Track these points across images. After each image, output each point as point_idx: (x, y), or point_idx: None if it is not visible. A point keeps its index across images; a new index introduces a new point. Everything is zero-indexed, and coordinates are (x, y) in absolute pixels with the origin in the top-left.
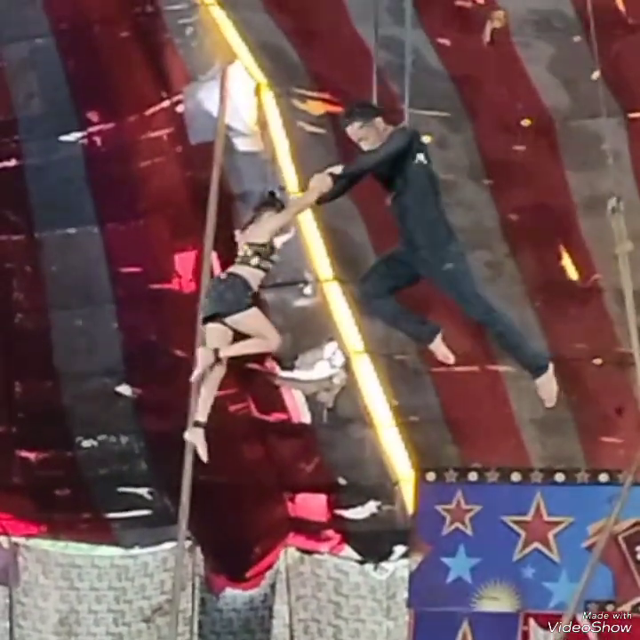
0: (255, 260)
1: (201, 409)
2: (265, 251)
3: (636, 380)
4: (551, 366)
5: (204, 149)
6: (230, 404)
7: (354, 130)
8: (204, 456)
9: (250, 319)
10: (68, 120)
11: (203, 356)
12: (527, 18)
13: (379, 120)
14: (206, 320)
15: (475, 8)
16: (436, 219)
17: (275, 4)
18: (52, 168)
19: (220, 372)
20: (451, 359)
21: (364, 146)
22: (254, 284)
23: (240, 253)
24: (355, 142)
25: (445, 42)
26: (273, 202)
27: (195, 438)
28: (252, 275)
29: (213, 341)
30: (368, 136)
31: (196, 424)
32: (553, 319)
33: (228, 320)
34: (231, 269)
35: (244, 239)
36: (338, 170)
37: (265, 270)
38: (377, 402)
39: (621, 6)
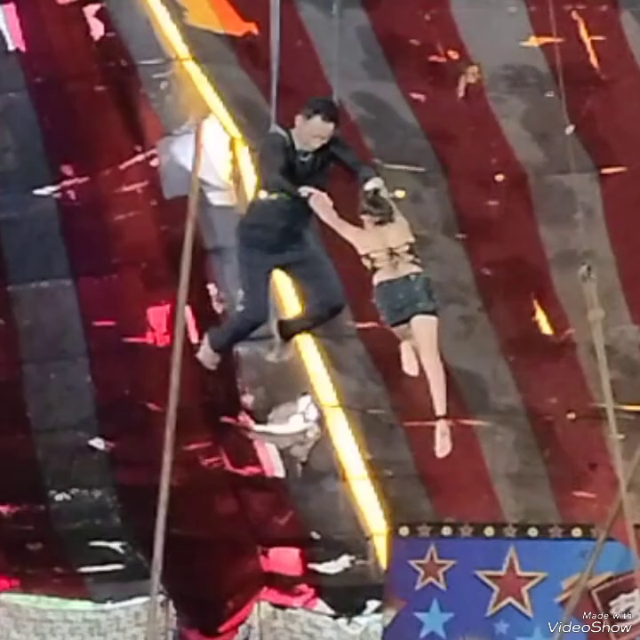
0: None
1: (439, 403)
2: None
3: (610, 434)
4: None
5: (178, 203)
6: (204, 458)
7: (327, 128)
8: (444, 449)
9: (434, 327)
10: (43, 174)
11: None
12: (501, 73)
13: None
14: (401, 322)
15: (449, 63)
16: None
17: (249, 59)
18: (26, 222)
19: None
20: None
21: (316, 144)
22: None
23: (404, 254)
24: (305, 137)
25: (419, 97)
26: (390, 210)
27: (444, 430)
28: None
29: (424, 336)
30: (328, 137)
31: (439, 417)
32: (526, 373)
33: (413, 320)
34: (414, 269)
35: (395, 242)
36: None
37: None
38: (350, 456)
39: (594, 62)
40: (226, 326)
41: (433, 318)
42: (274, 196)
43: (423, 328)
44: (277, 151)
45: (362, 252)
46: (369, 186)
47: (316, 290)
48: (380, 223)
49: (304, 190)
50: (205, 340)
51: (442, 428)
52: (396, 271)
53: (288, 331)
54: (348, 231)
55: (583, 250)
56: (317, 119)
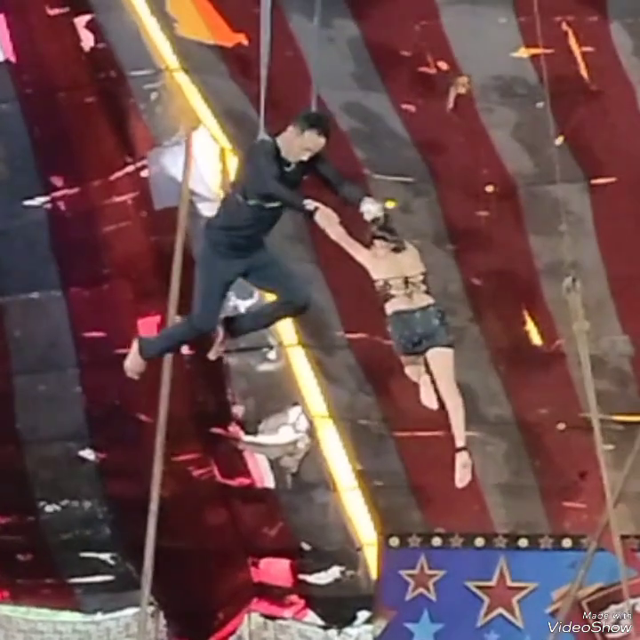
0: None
1: (459, 434)
2: None
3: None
4: None
5: (168, 214)
6: (194, 469)
7: (320, 142)
8: (465, 479)
9: (450, 358)
10: (33, 185)
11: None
12: (491, 84)
13: None
14: (416, 353)
15: (439, 74)
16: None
17: (239, 70)
18: (16, 232)
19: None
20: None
21: (305, 156)
22: None
23: (419, 283)
24: (293, 150)
25: (409, 108)
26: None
27: (465, 462)
28: None
29: (442, 369)
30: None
31: (460, 449)
32: (516, 384)
33: (429, 353)
34: (429, 301)
35: (410, 271)
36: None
37: None
38: (341, 466)
39: (584, 73)
40: (165, 333)
41: (449, 351)
42: (252, 202)
43: (440, 360)
44: (270, 159)
45: (376, 277)
46: (373, 210)
47: (282, 291)
48: (396, 250)
49: (309, 203)
50: (134, 347)
51: (463, 459)
52: (412, 301)
53: (238, 328)
54: (360, 253)
55: (568, 261)
56: (312, 133)
